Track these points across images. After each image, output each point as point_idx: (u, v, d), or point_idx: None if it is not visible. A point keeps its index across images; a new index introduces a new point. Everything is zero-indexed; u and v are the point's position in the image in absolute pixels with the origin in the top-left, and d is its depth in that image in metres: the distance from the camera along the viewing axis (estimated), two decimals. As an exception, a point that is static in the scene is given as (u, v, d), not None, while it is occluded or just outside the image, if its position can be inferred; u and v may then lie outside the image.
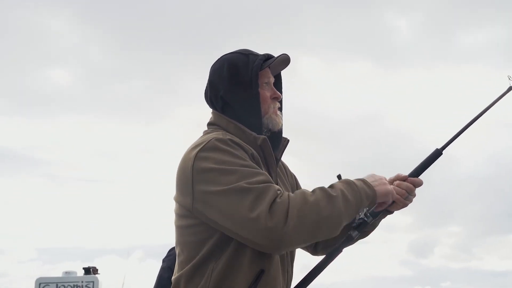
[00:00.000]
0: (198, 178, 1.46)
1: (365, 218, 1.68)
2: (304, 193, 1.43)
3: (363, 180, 1.55)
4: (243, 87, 1.64)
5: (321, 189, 1.46)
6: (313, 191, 1.45)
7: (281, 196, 1.40)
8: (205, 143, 1.51)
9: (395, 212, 1.74)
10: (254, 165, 1.50)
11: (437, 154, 1.75)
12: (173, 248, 3.31)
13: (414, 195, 1.72)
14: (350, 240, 1.70)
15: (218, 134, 1.57)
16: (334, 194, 1.43)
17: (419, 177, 1.73)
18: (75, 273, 4.54)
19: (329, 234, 1.45)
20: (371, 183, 1.55)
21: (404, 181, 1.71)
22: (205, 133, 1.68)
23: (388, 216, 1.77)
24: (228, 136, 1.54)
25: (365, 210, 1.68)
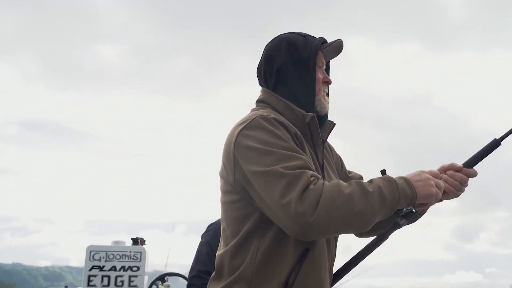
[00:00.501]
0: (239, 155, 1.49)
1: (413, 209, 1.60)
2: (339, 184, 1.41)
3: (406, 179, 1.49)
4: (301, 65, 1.65)
5: (358, 183, 1.43)
6: (350, 183, 1.43)
7: (315, 183, 1.39)
8: (249, 121, 1.52)
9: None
10: (295, 147, 1.49)
11: (495, 144, 1.70)
12: (212, 224, 3.37)
13: (467, 185, 1.69)
14: (397, 227, 1.66)
15: (264, 112, 1.58)
16: (370, 190, 1.41)
17: (474, 168, 1.68)
18: (124, 243, 4.72)
19: (358, 230, 1.44)
20: (413, 183, 1.49)
21: (458, 171, 1.67)
22: (253, 110, 1.69)
23: None
24: (273, 115, 1.55)
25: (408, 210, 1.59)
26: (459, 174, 1.66)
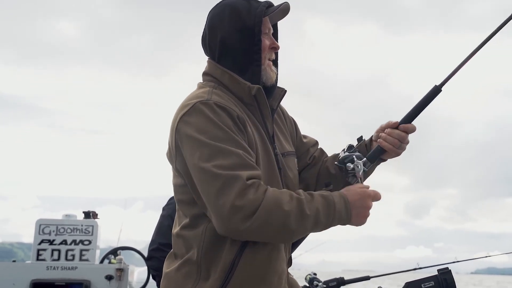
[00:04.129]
0: (179, 143, 1.50)
1: (365, 166, 1.62)
2: (281, 198, 1.41)
3: (346, 202, 1.49)
4: (245, 33, 1.59)
5: (299, 201, 1.43)
6: (291, 198, 1.42)
7: (256, 191, 1.39)
8: (190, 106, 1.50)
9: (392, 167, 1.74)
10: (234, 137, 1.46)
11: (435, 91, 1.64)
12: (173, 197, 3.34)
13: (407, 142, 1.66)
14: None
15: (205, 93, 1.54)
16: (308, 213, 1.42)
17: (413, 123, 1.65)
18: (75, 216, 4.61)
19: (282, 243, 1.57)
20: (352, 210, 1.49)
21: (396, 128, 1.65)
22: (199, 86, 1.66)
23: (386, 177, 1.77)
24: (214, 97, 1.52)
25: (362, 159, 1.63)
26: (396, 131, 1.64)
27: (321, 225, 1.47)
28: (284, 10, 1.65)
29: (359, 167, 1.62)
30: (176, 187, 1.60)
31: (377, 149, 1.67)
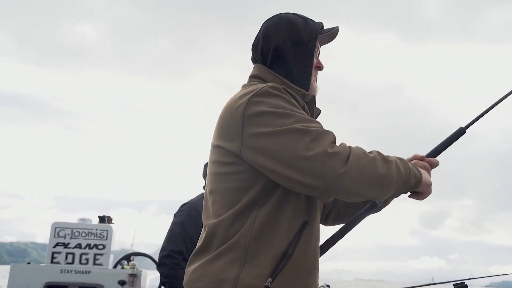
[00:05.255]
0: (250, 121, 1.44)
1: None
2: (361, 148, 1.44)
3: (413, 163, 1.56)
4: (300, 46, 1.64)
5: (377, 151, 1.46)
6: (370, 151, 1.45)
7: (340, 143, 1.42)
8: (259, 88, 1.48)
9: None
10: (307, 115, 1.49)
11: (460, 132, 1.73)
12: (185, 204, 3.32)
13: (430, 176, 1.68)
14: (374, 207, 1.71)
15: (265, 84, 1.54)
16: (390, 160, 1.45)
17: (437, 158, 1.70)
18: (90, 220, 4.66)
19: (378, 194, 1.46)
20: (419, 168, 1.56)
21: (421, 161, 1.68)
22: (247, 86, 1.62)
23: None
24: (282, 86, 1.53)
25: None
26: (422, 163, 1.67)
27: (402, 176, 1.46)
28: (333, 34, 1.72)
29: None
30: (225, 175, 1.52)
31: None
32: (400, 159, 1.50)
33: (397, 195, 1.55)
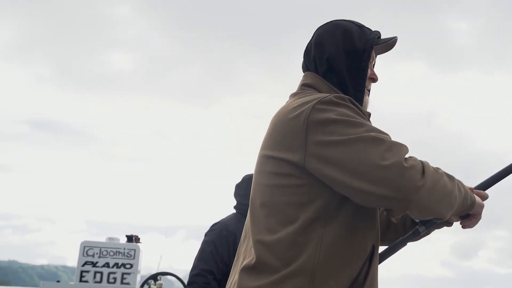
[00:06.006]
0: (315, 129, 1.33)
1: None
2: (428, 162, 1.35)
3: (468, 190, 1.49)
4: (353, 57, 1.53)
5: (441, 168, 1.39)
6: (436, 167, 1.37)
7: (410, 156, 1.32)
8: (323, 97, 1.38)
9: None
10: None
11: None
12: (216, 223, 3.32)
13: (479, 220, 1.60)
14: (417, 235, 1.62)
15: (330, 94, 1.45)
16: (454, 178, 1.39)
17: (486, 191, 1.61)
18: (118, 239, 4.70)
19: (445, 211, 1.36)
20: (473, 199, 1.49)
21: None
22: (300, 95, 1.51)
23: None
24: (347, 96, 1.42)
25: None
26: None
27: (462, 196, 1.40)
28: (390, 45, 1.62)
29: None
30: (281, 188, 1.40)
31: None
32: (459, 180, 1.43)
33: (454, 214, 1.46)
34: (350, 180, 1.28)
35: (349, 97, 1.41)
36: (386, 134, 1.35)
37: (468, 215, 1.53)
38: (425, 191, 1.27)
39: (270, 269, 1.34)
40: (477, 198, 1.50)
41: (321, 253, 1.32)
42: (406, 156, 1.31)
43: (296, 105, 1.41)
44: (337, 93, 1.47)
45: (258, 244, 1.39)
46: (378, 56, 1.64)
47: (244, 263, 1.40)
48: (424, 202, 1.28)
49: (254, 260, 1.38)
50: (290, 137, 1.37)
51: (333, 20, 1.62)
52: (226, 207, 3.34)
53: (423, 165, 1.30)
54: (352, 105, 1.38)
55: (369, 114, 1.53)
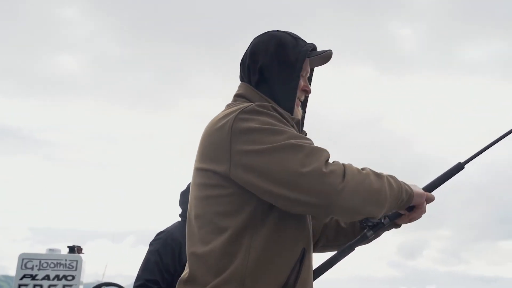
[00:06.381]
0: (238, 139, 1.36)
1: (382, 220, 1.62)
2: (353, 165, 1.38)
3: (407, 184, 1.51)
4: (287, 67, 1.56)
5: (369, 168, 1.41)
6: (362, 168, 1.40)
7: (333, 160, 1.35)
8: (246, 106, 1.41)
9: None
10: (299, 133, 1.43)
11: (458, 168, 1.71)
12: (161, 232, 3.28)
13: (424, 211, 1.65)
14: (364, 239, 1.66)
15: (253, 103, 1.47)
16: (382, 175, 1.40)
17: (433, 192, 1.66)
18: (59, 250, 4.52)
19: (374, 211, 1.38)
20: (409, 184, 1.51)
21: None
22: (231, 105, 1.55)
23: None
24: (271, 104, 1.46)
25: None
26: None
27: (394, 192, 1.41)
28: (326, 57, 1.65)
29: (384, 219, 1.62)
30: (211, 199, 1.43)
31: (396, 212, 1.65)
32: (391, 175, 1.45)
33: (391, 211, 1.49)
34: (272, 188, 1.31)
35: (271, 104, 1.45)
36: (308, 140, 1.38)
37: (412, 207, 1.55)
38: (346, 194, 1.29)
39: (202, 282, 1.38)
40: (415, 189, 1.52)
41: (250, 260, 1.35)
42: (329, 160, 1.34)
43: (221, 116, 1.44)
44: (269, 103, 1.49)
45: (192, 256, 1.44)
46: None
47: (181, 276, 1.46)
48: (347, 205, 1.31)
49: (188, 273, 1.43)
50: (216, 148, 1.40)
51: (270, 31, 1.65)
52: (174, 210, 3.29)
53: (344, 168, 1.32)
54: (275, 113, 1.41)
55: (298, 121, 1.56)
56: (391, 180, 1.42)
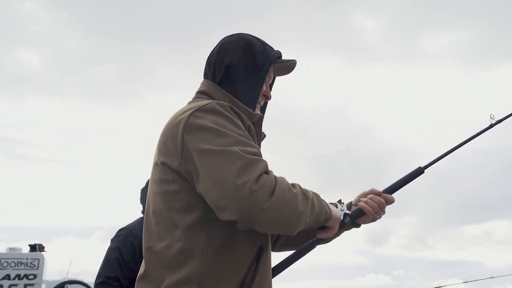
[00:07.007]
0: (190, 135, 1.38)
1: (344, 220, 1.65)
2: (288, 183, 1.39)
3: (324, 201, 1.53)
4: (253, 70, 1.61)
5: (299, 185, 1.43)
6: (293, 184, 1.41)
7: (269, 173, 1.36)
8: (203, 104, 1.44)
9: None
10: (249, 136, 1.45)
11: (418, 172, 1.80)
12: (122, 229, 3.26)
13: (384, 212, 1.74)
14: (320, 242, 1.71)
15: (213, 101, 1.51)
16: (309, 196, 1.42)
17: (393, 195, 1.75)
18: (20, 249, 4.40)
19: (290, 230, 1.40)
20: (330, 206, 1.54)
21: (378, 195, 1.73)
22: (193, 102, 1.58)
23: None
24: (228, 104, 1.48)
25: (345, 211, 1.68)
26: (378, 198, 1.72)
27: (314, 214, 1.43)
28: (289, 67, 1.71)
29: (344, 209, 1.67)
30: (167, 195, 1.44)
31: (357, 210, 1.71)
32: (316, 195, 1.47)
33: (305, 228, 1.48)
34: (208, 190, 1.32)
35: (229, 104, 1.47)
36: (253, 147, 1.39)
37: (325, 227, 1.57)
38: (269, 211, 1.30)
39: (158, 277, 1.39)
40: (334, 213, 1.53)
41: (208, 258, 1.36)
42: (267, 171, 1.35)
43: (181, 112, 1.46)
44: (232, 100, 1.54)
45: (148, 252, 1.44)
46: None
47: (139, 272, 1.46)
48: (267, 223, 1.32)
49: (144, 269, 1.43)
50: (171, 143, 1.42)
51: (240, 33, 1.70)
52: (138, 206, 3.27)
53: (276, 185, 1.33)
54: (231, 113, 1.43)
55: (260, 117, 1.60)
56: (315, 201, 1.44)
